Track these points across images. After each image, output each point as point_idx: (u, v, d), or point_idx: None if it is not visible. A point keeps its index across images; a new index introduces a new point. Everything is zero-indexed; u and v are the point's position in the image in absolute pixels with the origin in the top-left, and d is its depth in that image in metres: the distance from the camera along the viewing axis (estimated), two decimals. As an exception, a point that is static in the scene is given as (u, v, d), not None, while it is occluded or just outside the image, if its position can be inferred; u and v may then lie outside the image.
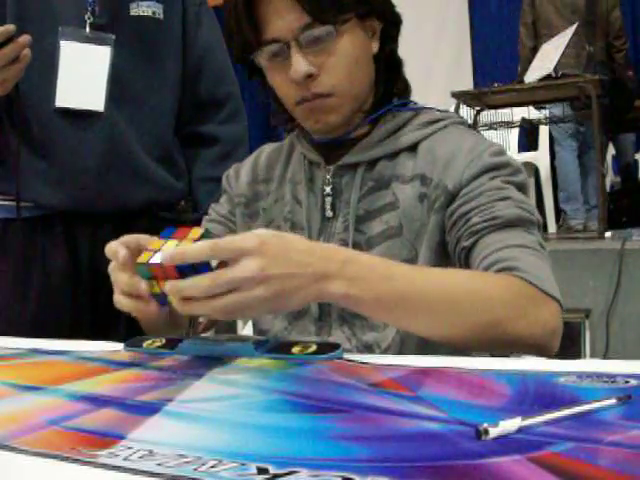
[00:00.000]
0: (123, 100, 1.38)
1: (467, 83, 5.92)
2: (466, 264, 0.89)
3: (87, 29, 1.35)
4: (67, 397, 0.65)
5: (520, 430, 0.49)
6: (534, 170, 4.48)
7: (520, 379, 0.65)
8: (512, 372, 0.68)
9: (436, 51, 6.26)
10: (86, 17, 1.35)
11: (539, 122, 4.35)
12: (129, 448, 0.49)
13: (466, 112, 3.94)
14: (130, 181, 1.38)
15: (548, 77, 3.64)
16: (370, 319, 0.91)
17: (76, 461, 0.47)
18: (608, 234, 3.34)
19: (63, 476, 0.46)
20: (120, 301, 0.80)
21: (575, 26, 3.87)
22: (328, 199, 1.00)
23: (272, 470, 0.44)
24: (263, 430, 0.53)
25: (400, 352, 0.91)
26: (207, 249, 0.72)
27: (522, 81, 3.83)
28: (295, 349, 0.79)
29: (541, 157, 4.54)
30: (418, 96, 1.04)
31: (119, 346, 0.89)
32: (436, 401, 0.58)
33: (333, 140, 0.99)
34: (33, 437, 0.53)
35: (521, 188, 0.92)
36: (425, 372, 0.69)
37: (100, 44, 1.35)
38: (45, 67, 1.33)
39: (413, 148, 0.98)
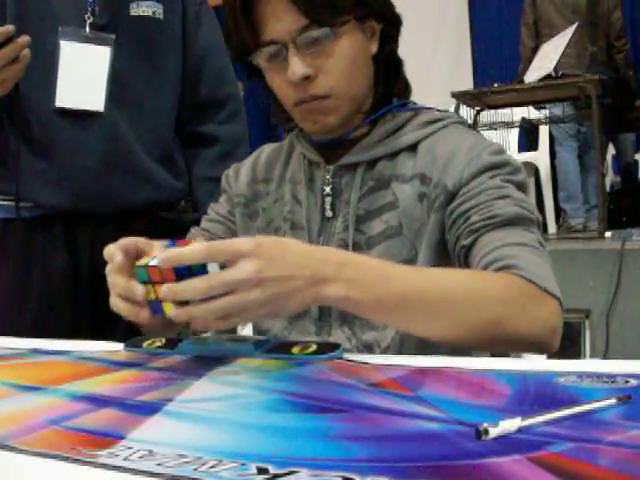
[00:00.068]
0: (123, 100, 1.38)
1: (467, 83, 5.91)
2: (465, 263, 0.89)
3: (87, 29, 1.35)
4: (67, 397, 0.65)
5: (520, 430, 0.49)
6: (534, 170, 4.48)
7: (520, 379, 0.65)
8: (512, 372, 0.68)
9: (436, 51, 6.26)
10: (86, 17, 1.35)
11: (539, 122, 4.35)
12: (129, 448, 0.49)
13: (466, 112, 3.94)
14: (130, 181, 1.38)
15: (548, 77, 3.64)
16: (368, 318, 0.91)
17: (76, 461, 0.47)
18: (608, 234, 3.35)
19: (63, 476, 0.46)
20: (117, 304, 0.80)
21: (575, 26, 3.87)
22: (328, 199, 1.00)
23: (272, 470, 0.44)
24: (263, 430, 0.53)
25: (400, 351, 0.91)
26: (203, 251, 0.72)
27: (522, 81, 3.83)
28: (295, 349, 0.79)
29: (541, 157, 4.54)
30: (418, 96, 1.04)
31: (119, 346, 0.89)
32: (436, 401, 0.58)
33: (333, 140, 0.99)
34: (33, 437, 0.53)
35: (521, 187, 0.92)
36: (425, 372, 0.69)
37: (100, 44, 1.35)
38: (45, 67, 1.33)
39: (413, 148, 0.98)
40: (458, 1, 6.52)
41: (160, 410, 0.59)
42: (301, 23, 0.90)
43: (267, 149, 1.12)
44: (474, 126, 3.47)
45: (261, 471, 0.44)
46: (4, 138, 1.36)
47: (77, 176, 1.35)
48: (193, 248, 0.73)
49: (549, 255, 0.87)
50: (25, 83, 1.29)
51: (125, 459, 0.47)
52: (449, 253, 0.92)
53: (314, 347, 0.79)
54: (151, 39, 1.41)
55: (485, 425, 0.48)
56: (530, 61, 4.01)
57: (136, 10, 1.39)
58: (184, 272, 0.73)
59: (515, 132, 4.70)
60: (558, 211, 4.49)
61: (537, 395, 0.60)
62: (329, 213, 1.00)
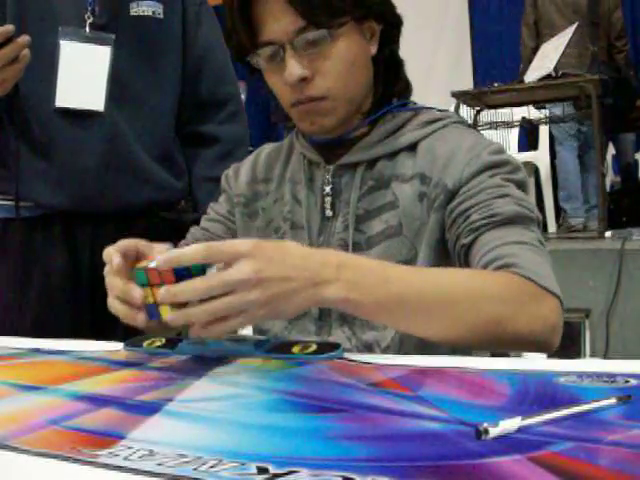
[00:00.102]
0: (123, 100, 1.38)
1: (467, 83, 5.91)
2: (465, 261, 0.89)
3: (87, 29, 1.35)
4: (67, 397, 0.65)
5: (520, 430, 0.49)
6: (534, 170, 4.48)
7: (520, 379, 0.65)
8: (512, 372, 0.68)
9: (436, 51, 6.26)
10: (86, 17, 1.35)
11: (539, 122, 4.35)
12: (129, 448, 0.49)
13: (466, 112, 3.94)
14: (130, 181, 1.38)
15: (548, 77, 3.64)
16: (368, 320, 0.91)
17: (76, 461, 0.47)
18: (608, 234, 3.35)
19: (63, 476, 0.46)
20: (115, 306, 0.80)
21: (575, 26, 3.87)
22: (328, 199, 1.00)
23: (272, 470, 0.44)
24: (263, 430, 0.53)
25: (400, 351, 0.91)
26: (202, 251, 0.72)
27: (522, 81, 3.83)
28: (295, 349, 0.79)
29: (541, 157, 4.54)
30: (418, 96, 1.04)
31: (119, 346, 0.89)
32: (436, 401, 0.58)
33: (333, 140, 0.99)
34: (33, 437, 0.53)
35: (520, 186, 0.92)
36: (425, 372, 0.69)
37: (100, 44, 1.35)
38: (45, 67, 1.33)
39: (413, 147, 0.98)
40: (458, 1, 6.52)
41: (160, 410, 0.59)
42: (298, 24, 0.90)
43: (267, 149, 1.12)
44: (474, 126, 3.46)
45: (261, 471, 0.44)
46: (4, 138, 1.36)
47: (77, 176, 1.35)
48: (192, 249, 0.73)
49: (549, 256, 0.87)
50: (25, 83, 1.29)
51: (125, 459, 0.47)
52: (449, 252, 0.92)
53: (314, 347, 0.79)
54: (151, 39, 1.41)
55: (485, 425, 0.48)
56: (531, 61, 4.02)
57: (136, 10, 1.39)
58: (183, 275, 0.72)
59: (515, 132, 4.70)
60: (558, 211, 4.49)
61: (537, 395, 0.60)
62: (329, 213, 1.00)
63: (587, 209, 4.35)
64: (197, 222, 1.15)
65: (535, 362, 0.79)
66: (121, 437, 0.52)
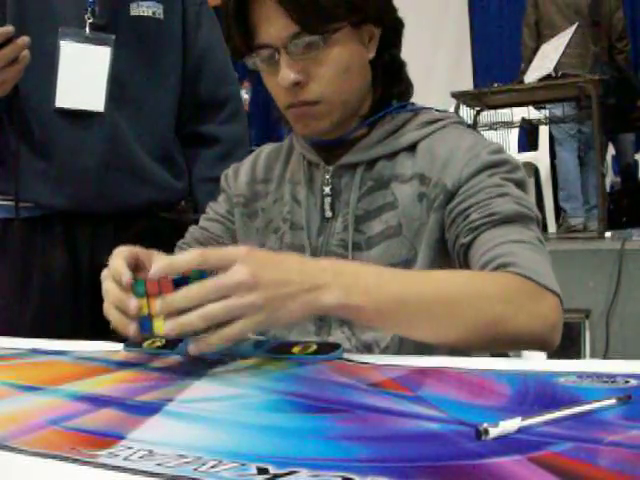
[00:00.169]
0: (123, 100, 1.38)
1: (467, 83, 5.92)
2: (465, 261, 0.89)
3: (87, 29, 1.35)
4: (67, 397, 0.65)
5: (520, 430, 0.49)
6: (534, 170, 4.48)
7: (520, 379, 0.65)
8: (512, 372, 0.68)
9: (436, 51, 6.26)
10: (86, 17, 1.35)
11: (539, 122, 4.35)
12: (129, 448, 0.49)
13: (466, 112, 3.95)
14: (130, 181, 1.38)
15: (548, 77, 3.64)
16: (367, 325, 0.90)
17: (76, 461, 0.47)
18: (608, 234, 3.35)
19: (63, 476, 0.46)
20: (110, 312, 0.79)
21: (575, 26, 3.88)
22: (327, 199, 1.00)
23: (272, 470, 0.44)
24: (263, 430, 0.53)
25: (399, 351, 0.91)
26: (196, 257, 0.72)
27: (522, 81, 3.84)
28: (295, 349, 0.79)
29: (541, 157, 4.55)
30: (418, 96, 1.04)
31: (119, 346, 0.89)
32: (436, 401, 0.58)
33: (332, 141, 0.99)
34: (33, 437, 0.53)
35: (520, 185, 0.92)
36: (425, 372, 0.69)
37: (100, 44, 1.35)
38: (45, 67, 1.33)
39: (412, 148, 0.98)
40: (458, 1, 6.53)
41: (160, 410, 0.59)
42: (292, 30, 0.89)
43: (266, 149, 1.12)
44: (474, 126, 3.47)
45: (261, 471, 0.44)
46: (4, 138, 1.36)
47: (77, 176, 1.35)
48: (186, 255, 0.72)
49: (549, 256, 0.87)
50: (25, 83, 1.28)
51: (125, 459, 0.47)
52: (449, 253, 0.92)
53: (314, 347, 0.79)
54: (151, 39, 1.41)
55: (485, 425, 0.48)
56: (531, 61, 4.02)
57: (136, 10, 1.39)
58: (182, 285, 0.72)
59: (515, 132, 4.70)
60: (558, 211, 4.49)
61: (537, 395, 0.60)
62: (328, 213, 1.00)
63: (587, 209, 4.35)
64: (197, 222, 1.15)
65: (535, 362, 0.79)
66: (121, 437, 0.52)
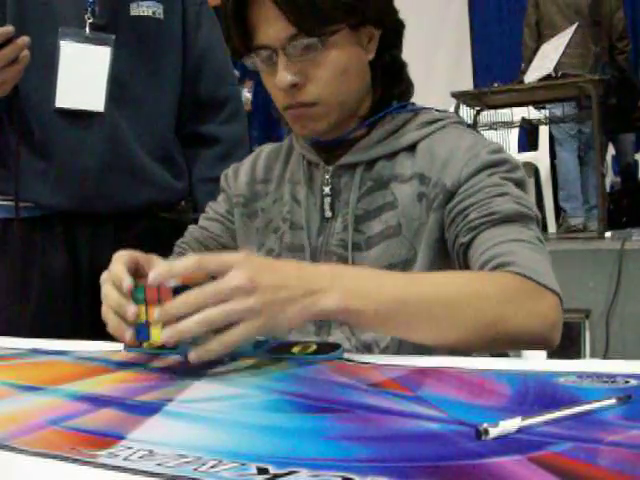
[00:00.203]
0: (123, 100, 1.38)
1: (467, 83, 5.92)
2: (464, 260, 0.89)
3: (87, 29, 1.35)
4: (67, 397, 0.65)
5: (520, 430, 0.49)
6: (534, 170, 4.48)
7: (520, 379, 0.65)
8: (512, 372, 0.68)
9: (436, 51, 6.26)
10: (86, 17, 1.35)
11: (539, 122, 4.35)
12: (129, 448, 0.49)
13: (466, 112, 3.95)
14: (130, 181, 1.38)
15: (548, 77, 3.64)
16: (367, 329, 0.90)
17: (76, 461, 0.47)
18: (608, 234, 3.35)
19: (63, 476, 0.46)
20: (108, 316, 0.79)
21: (575, 26, 3.88)
22: (327, 199, 1.00)
23: (272, 470, 0.44)
24: (263, 430, 0.53)
25: (399, 351, 0.91)
26: (194, 262, 0.71)
27: (522, 81, 3.84)
28: (295, 349, 0.79)
29: (541, 157, 4.55)
30: (418, 96, 1.04)
31: (119, 346, 0.89)
32: (436, 401, 0.58)
33: (332, 141, 0.99)
34: (33, 437, 0.53)
35: (519, 184, 0.92)
36: (425, 372, 0.69)
37: (100, 44, 1.35)
38: (45, 67, 1.33)
39: (412, 148, 0.98)
40: (458, 1, 6.53)
41: (160, 410, 0.59)
42: (290, 32, 0.89)
43: (266, 149, 1.12)
44: (474, 126, 3.47)
45: (261, 471, 0.44)
46: (4, 138, 1.36)
47: (77, 176, 1.35)
48: (183, 261, 0.72)
49: (549, 256, 0.87)
50: (25, 84, 1.29)
51: (125, 459, 0.47)
52: (448, 252, 0.92)
53: (314, 347, 0.79)
54: (151, 39, 1.41)
55: (485, 425, 0.48)
56: (532, 61, 4.02)
57: (136, 10, 1.39)
58: (182, 292, 0.71)
59: (515, 132, 4.70)
60: (558, 211, 4.49)
61: (537, 395, 0.60)
62: (328, 213, 1.00)
63: (587, 209, 4.35)
64: (197, 222, 1.15)
65: (535, 362, 0.79)
66: (121, 437, 0.52)
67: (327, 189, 1.00)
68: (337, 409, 0.58)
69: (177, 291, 0.71)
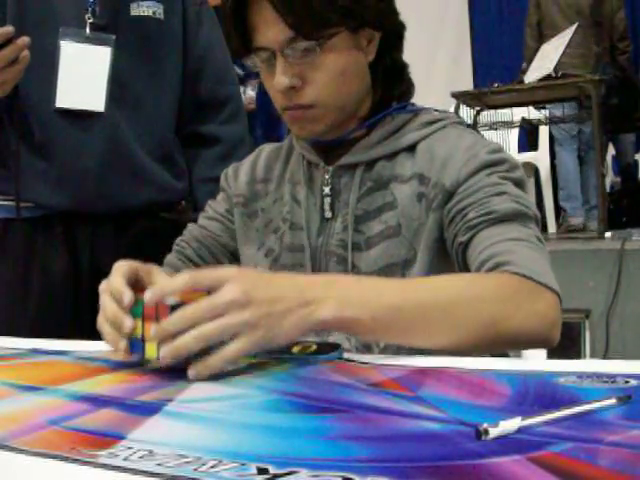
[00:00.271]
0: (123, 100, 1.38)
1: (467, 83, 5.92)
2: (463, 260, 0.89)
3: (87, 29, 1.35)
4: (67, 397, 0.65)
5: (520, 430, 0.49)
6: (534, 170, 4.48)
7: (520, 379, 0.65)
8: (512, 372, 0.68)
9: (436, 51, 6.26)
10: (86, 17, 1.35)
11: (539, 122, 4.35)
12: (129, 448, 0.49)
13: (466, 112, 3.95)
14: (130, 181, 1.38)
15: (548, 77, 3.64)
16: (365, 338, 0.90)
17: (76, 461, 0.47)
18: (608, 234, 3.35)
19: (63, 476, 0.46)
20: (102, 326, 0.79)
21: (575, 26, 3.88)
22: (327, 199, 1.00)
23: (272, 470, 0.44)
24: (263, 430, 0.53)
25: (399, 351, 0.91)
26: (187, 279, 0.71)
27: (522, 81, 3.84)
28: (295, 349, 0.79)
29: (541, 157, 4.55)
30: (418, 96, 1.04)
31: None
32: (436, 401, 0.58)
33: (332, 141, 0.99)
34: (33, 437, 0.53)
35: (518, 184, 0.92)
36: (425, 372, 0.69)
37: (100, 44, 1.35)
38: (45, 68, 1.32)
39: (412, 148, 0.98)
40: (458, 1, 6.53)
41: (160, 410, 0.59)
42: (288, 35, 0.89)
43: (267, 149, 1.13)
44: (474, 126, 3.47)
45: (261, 471, 0.44)
46: (4, 138, 1.36)
47: (77, 176, 1.35)
48: (177, 279, 0.72)
49: (549, 256, 0.87)
50: (25, 84, 1.28)
51: (125, 459, 0.47)
52: (448, 252, 0.92)
53: (314, 347, 0.79)
54: (151, 39, 1.41)
55: (485, 425, 0.48)
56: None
57: (136, 10, 1.39)
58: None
59: (515, 132, 4.70)
60: (558, 211, 4.49)
61: (537, 395, 0.60)
62: (328, 214, 1.00)
63: (587, 209, 4.35)
64: (197, 221, 1.15)
65: (535, 362, 0.79)
66: (121, 437, 0.52)
67: (327, 189, 1.00)
68: (337, 409, 0.58)
69: (175, 308, 0.71)
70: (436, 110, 1.04)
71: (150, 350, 0.72)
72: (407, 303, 0.75)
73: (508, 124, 4.23)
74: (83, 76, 1.35)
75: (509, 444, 0.47)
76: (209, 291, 0.71)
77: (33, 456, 0.49)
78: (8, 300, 1.38)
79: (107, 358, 0.83)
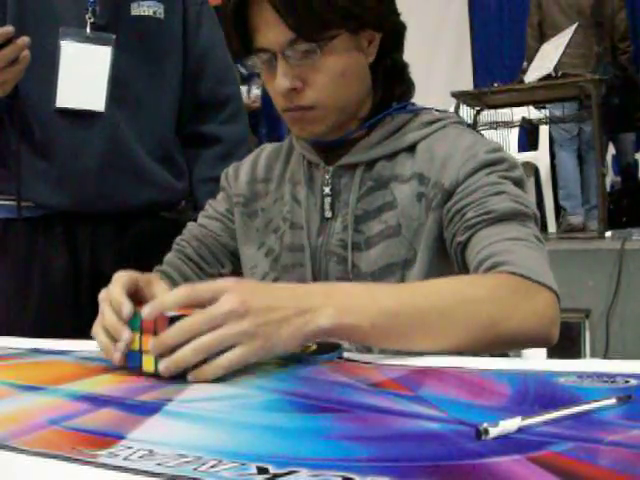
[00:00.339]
0: (124, 100, 1.38)
1: (467, 83, 5.92)
2: (462, 259, 0.89)
3: (88, 29, 1.35)
4: (67, 397, 0.65)
5: (520, 430, 0.49)
6: (534, 170, 4.48)
7: (520, 379, 0.65)
8: (512, 372, 0.68)
9: (436, 51, 6.26)
10: (87, 17, 1.35)
11: (539, 122, 4.35)
12: (129, 448, 0.49)
13: (466, 112, 3.95)
14: (130, 181, 1.38)
15: (548, 77, 3.64)
16: (365, 344, 0.89)
17: (76, 461, 0.47)
18: (608, 234, 3.35)
19: (63, 476, 0.46)
20: (98, 334, 0.79)
21: (575, 26, 3.88)
22: (327, 199, 1.00)
23: (272, 470, 0.44)
24: (263, 430, 0.53)
25: (398, 351, 0.90)
26: (185, 293, 0.71)
27: (522, 81, 3.84)
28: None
29: (541, 157, 4.55)
30: (418, 96, 1.04)
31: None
32: (436, 401, 0.58)
33: (332, 141, 0.99)
34: (33, 437, 0.53)
35: (518, 183, 0.92)
36: (425, 372, 0.69)
37: (101, 44, 1.35)
38: (46, 67, 1.33)
39: (412, 148, 0.98)
40: (458, 1, 6.52)
41: (160, 410, 0.59)
42: (289, 36, 0.89)
43: (267, 149, 1.13)
44: (474, 126, 3.47)
45: (261, 471, 0.44)
46: (4, 138, 1.36)
47: (77, 176, 1.35)
48: (174, 293, 0.72)
49: (549, 256, 0.86)
50: (25, 83, 1.28)
51: (125, 459, 0.47)
52: (448, 252, 0.92)
53: (314, 347, 0.79)
54: (152, 39, 1.41)
55: (485, 425, 0.48)
56: (535, 62, 4.03)
57: (137, 10, 1.39)
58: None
59: (515, 132, 4.70)
60: (558, 211, 4.49)
61: (537, 395, 0.60)
62: (328, 213, 1.00)
63: (587, 209, 4.35)
64: (197, 221, 1.15)
65: (535, 362, 0.79)
66: (121, 437, 0.52)
67: (327, 189, 1.00)
68: (337, 409, 0.58)
69: (173, 319, 0.70)
70: (436, 110, 1.04)
71: (147, 363, 0.72)
72: (405, 308, 0.75)
73: (508, 124, 4.23)
74: (83, 76, 1.35)
75: (509, 444, 0.47)
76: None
77: (33, 456, 0.49)
78: (8, 300, 1.38)
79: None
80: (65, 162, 1.35)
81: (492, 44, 6.38)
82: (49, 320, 1.35)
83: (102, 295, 0.82)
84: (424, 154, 0.96)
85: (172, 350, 0.69)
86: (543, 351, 1.05)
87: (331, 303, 0.72)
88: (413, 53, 1.08)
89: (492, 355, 0.86)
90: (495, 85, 3.91)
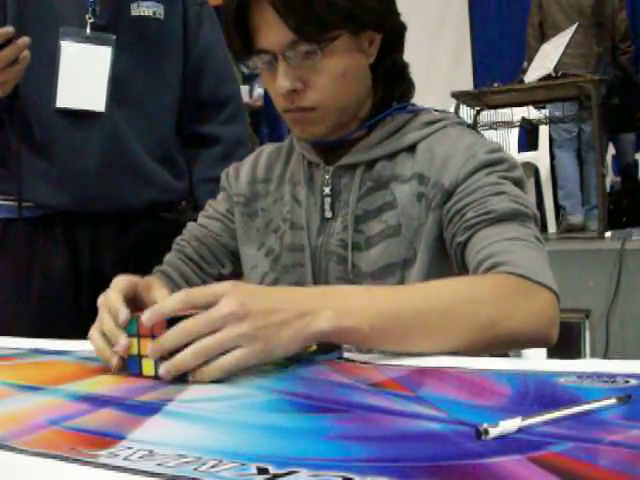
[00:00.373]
0: (124, 100, 1.38)
1: (467, 83, 5.92)
2: (462, 259, 0.89)
3: (88, 29, 1.35)
4: (67, 397, 0.65)
5: (520, 430, 0.49)
6: (534, 170, 4.48)
7: (520, 379, 0.65)
8: (512, 372, 0.68)
9: (436, 51, 6.26)
10: (87, 17, 1.35)
11: (539, 122, 4.35)
12: (129, 448, 0.49)
13: (466, 112, 3.95)
14: (131, 181, 1.39)
15: (548, 77, 3.64)
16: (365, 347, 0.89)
17: (76, 461, 0.47)
18: (608, 234, 3.35)
19: (63, 476, 0.46)
20: (95, 339, 0.79)
21: (575, 26, 3.88)
22: (327, 199, 1.00)
23: (272, 470, 0.44)
24: (263, 430, 0.53)
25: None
26: (183, 297, 0.71)
27: (522, 81, 3.84)
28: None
29: (541, 157, 4.55)
30: (418, 96, 1.04)
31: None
32: (436, 401, 0.58)
33: (332, 141, 0.99)
34: (33, 437, 0.53)
35: (517, 183, 0.92)
36: (425, 372, 0.69)
37: (101, 44, 1.36)
38: (46, 68, 1.33)
39: (412, 148, 0.98)
40: (458, 1, 6.52)
41: (160, 410, 0.59)
42: (290, 38, 0.89)
43: (267, 149, 1.13)
44: (474, 126, 3.46)
45: (261, 471, 0.44)
46: (5, 139, 1.36)
47: (78, 176, 1.35)
48: (172, 299, 0.71)
49: (546, 250, 0.86)
50: (26, 84, 1.29)
51: (125, 459, 0.47)
52: (448, 252, 0.92)
53: (314, 347, 0.79)
54: (152, 39, 1.41)
55: (485, 425, 0.48)
56: (535, 62, 4.03)
57: (137, 10, 1.39)
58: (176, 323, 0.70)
59: (515, 132, 4.70)
60: (558, 211, 4.50)
61: (537, 395, 0.60)
62: (328, 214, 1.00)
63: (587, 209, 4.35)
64: (197, 221, 1.15)
65: (535, 362, 0.79)
66: (121, 437, 0.52)
67: (327, 189, 1.00)
68: (337, 409, 0.58)
69: (170, 322, 0.70)
70: (436, 110, 1.04)
71: (147, 367, 0.72)
72: (405, 310, 0.75)
73: (508, 124, 4.24)
74: (83, 76, 1.35)
75: (509, 444, 0.47)
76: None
77: (33, 456, 0.49)
78: (9, 300, 1.38)
79: (107, 358, 0.83)
80: (65, 162, 1.35)
81: (492, 44, 6.38)
82: (49, 320, 1.35)
83: (101, 300, 0.82)
84: (424, 154, 0.96)
85: (171, 353, 0.69)
86: (543, 351, 1.05)
87: (330, 306, 0.72)
88: (413, 53, 1.08)
89: (492, 355, 0.86)
90: (495, 85, 3.91)
